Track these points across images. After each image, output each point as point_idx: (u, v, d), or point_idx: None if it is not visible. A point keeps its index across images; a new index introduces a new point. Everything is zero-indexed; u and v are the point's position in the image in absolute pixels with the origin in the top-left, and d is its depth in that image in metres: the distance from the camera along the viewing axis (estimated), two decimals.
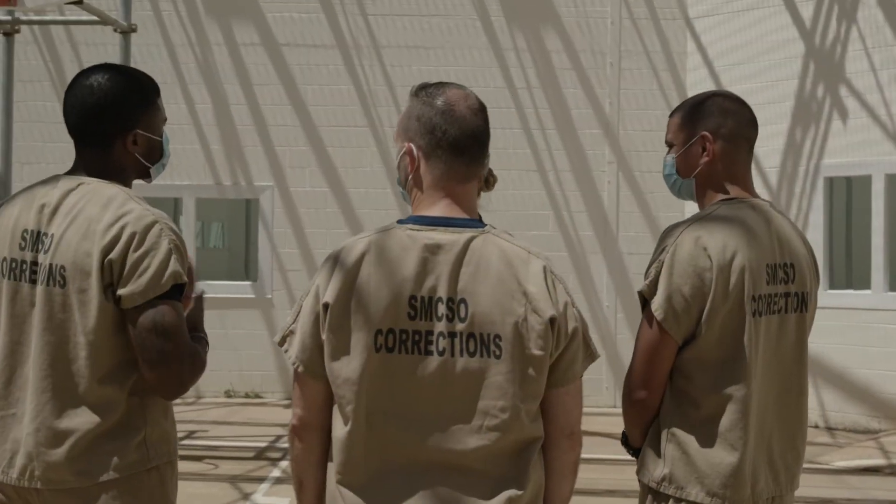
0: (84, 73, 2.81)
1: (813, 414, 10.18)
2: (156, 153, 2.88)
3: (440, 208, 2.35)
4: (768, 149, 10.60)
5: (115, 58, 8.36)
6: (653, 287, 2.78)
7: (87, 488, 2.59)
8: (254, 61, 11.33)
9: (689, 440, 2.74)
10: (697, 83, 11.13)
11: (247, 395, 11.04)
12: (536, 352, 2.26)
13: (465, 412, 2.26)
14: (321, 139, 11.27)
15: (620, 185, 11.20)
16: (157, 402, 2.69)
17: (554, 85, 11.25)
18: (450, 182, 2.36)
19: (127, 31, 8.27)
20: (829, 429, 10.09)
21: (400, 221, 2.36)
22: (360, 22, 11.36)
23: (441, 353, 2.26)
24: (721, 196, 2.88)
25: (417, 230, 2.31)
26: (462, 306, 2.26)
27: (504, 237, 2.35)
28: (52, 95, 11.28)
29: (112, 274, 2.59)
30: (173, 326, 2.59)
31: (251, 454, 8.55)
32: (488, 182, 3.68)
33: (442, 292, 2.27)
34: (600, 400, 10.99)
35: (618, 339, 11.10)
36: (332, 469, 2.32)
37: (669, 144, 2.99)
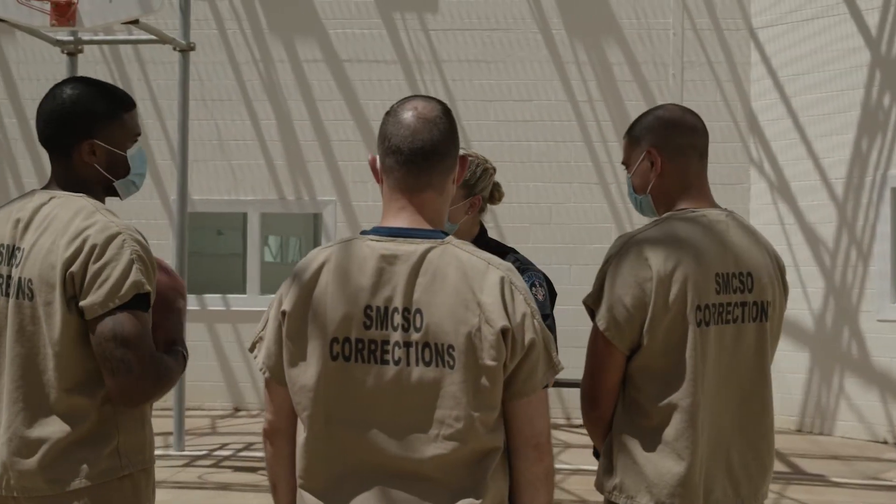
0: (55, 86, 2.86)
1: (881, 429, 10.04)
2: (120, 168, 2.84)
3: (401, 219, 2.36)
4: (834, 159, 10.50)
5: (169, 76, 8.50)
6: (597, 298, 2.80)
7: (60, 496, 2.64)
8: (316, 77, 11.43)
9: (639, 449, 2.75)
10: (762, 94, 11.06)
11: None
12: (489, 362, 2.25)
13: (421, 421, 2.26)
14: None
15: None
16: (132, 411, 2.72)
17: (616, 97, 11.23)
18: (404, 192, 2.37)
19: (186, 50, 8.42)
20: None
21: (363, 232, 2.38)
22: (422, 37, 11.43)
23: (397, 363, 2.27)
24: (678, 208, 2.90)
25: (377, 241, 2.33)
26: (418, 316, 2.27)
27: (464, 248, 2.34)
28: None
29: (74, 286, 2.63)
30: (133, 335, 2.61)
31: None
32: (493, 197, 3.69)
33: (398, 302, 2.28)
34: None
35: None
36: (297, 474, 2.36)
37: (625, 165, 3.03)
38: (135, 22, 7.60)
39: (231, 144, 11.49)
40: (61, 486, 2.63)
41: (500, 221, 11.19)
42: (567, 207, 11.15)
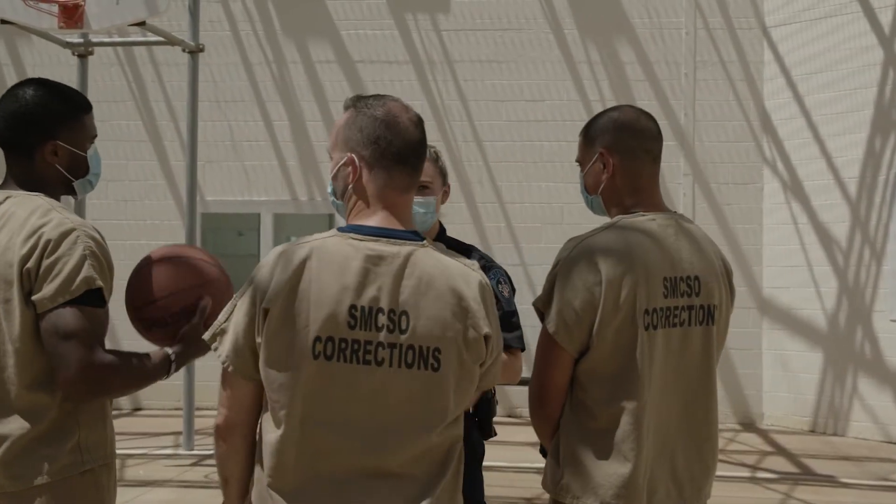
0: (14, 85, 2.90)
1: (895, 430, 9.98)
2: (81, 168, 2.90)
3: (379, 218, 2.38)
4: (847, 159, 10.44)
5: (182, 77, 8.55)
6: (546, 301, 2.82)
7: (22, 492, 2.66)
8: (329, 78, 11.46)
9: (586, 450, 2.77)
10: (775, 93, 11.01)
11: None
12: (472, 365, 2.32)
13: (401, 423, 2.28)
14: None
15: (696, 197, 11.11)
16: (92, 407, 2.74)
17: (628, 97, 11.20)
18: (392, 192, 2.40)
19: (195, 51, 8.46)
20: None
21: (340, 229, 2.38)
22: (434, 37, 11.44)
23: (380, 364, 2.28)
24: (628, 210, 2.91)
25: (359, 240, 2.34)
26: (404, 318, 2.29)
27: (439, 250, 2.39)
28: (136, 114, 11.53)
29: (30, 281, 2.66)
30: (75, 331, 2.62)
31: None
32: (445, 194, 3.73)
33: (384, 303, 2.30)
34: None
35: None
36: (263, 472, 2.34)
37: (579, 163, 3.03)
38: (142, 24, 7.64)
39: (244, 145, 11.54)
40: (23, 482, 2.65)
41: (512, 221, 11.19)
42: (579, 207, 11.02)
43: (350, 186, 2.43)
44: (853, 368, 10.34)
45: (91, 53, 8.94)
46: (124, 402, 11.38)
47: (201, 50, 8.59)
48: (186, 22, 9.19)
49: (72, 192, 2.93)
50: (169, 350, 2.86)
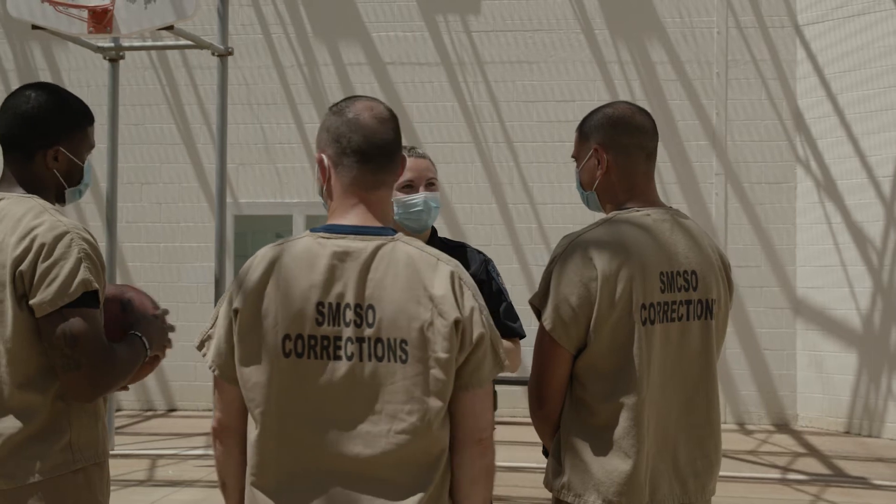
0: (21, 87, 2.94)
1: None
2: (75, 176, 2.95)
3: (352, 217, 2.40)
4: (881, 157, 10.33)
5: (215, 80, 8.62)
6: (543, 298, 2.81)
7: (14, 490, 2.69)
8: (360, 80, 11.51)
9: (586, 448, 2.76)
10: (808, 91, 10.92)
11: None
12: (442, 354, 2.29)
13: (374, 416, 2.29)
14: None
15: (729, 197, 11.03)
16: (83, 407, 2.78)
17: (659, 97, 11.15)
18: (360, 190, 2.41)
19: (224, 55, 8.52)
20: None
21: (313, 230, 2.41)
22: (464, 39, 11.46)
23: (349, 358, 2.29)
24: (623, 206, 2.91)
25: (327, 238, 2.37)
26: (370, 312, 2.30)
27: (414, 245, 2.38)
28: (169, 118, 11.64)
29: (24, 284, 2.69)
30: (82, 333, 2.66)
31: None
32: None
33: (350, 298, 2.31)
34: None
35: (727, 353, 10.91)
36: (248, 472, 2.37)
37: (574, 159, 3.04)
38: (170, 28, 7.72)
39: (276, 148, 11.61)
40: (16, 480, 2.69)
41: (543, 222, 11.18)
42: None
43: (324, 186, 2.48)
44: (888, 369, 10.23)
45: (122, 58, 9.04)
46: (159, 402, 11.49)
47: (230, 53, 8.65)
48: (216, 25, 9.26)
49: (61, 199, 2.97)
50: (136, 333, 2.93)
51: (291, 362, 2.31)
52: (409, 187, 3.58)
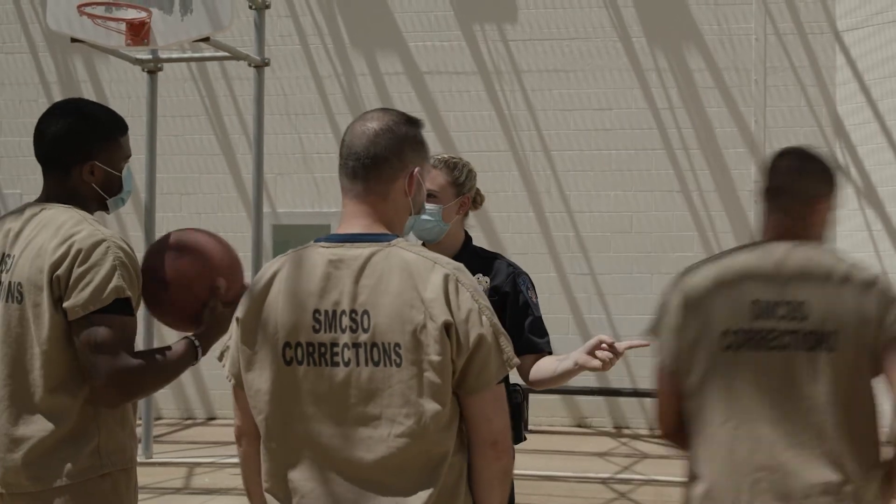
0: (54, 105, 3.02)
1: None
2: (114, 186, 3.02)
3: (351, 225, 2.44)
4: None
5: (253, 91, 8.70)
6: (656, 327, 2.93)
7: (42, 492, 2.74)
8: (397, 90, 11.56)
9: (687, 472, 2.90)
10: (847, 98, 10.82)
11: None
12: (434, 357, 2.29)
13: (372, 421, 2.31)
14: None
15: None
16: (112, 412, 2.82)
17: (697, 104, 11.10)
18: (349, 198, 2.47)
19: (260, 66, 8.59)
20: None
21: (316, 239, 2.45)
22: (501, 48, 11.47)
23: (346, 364, 2.32)
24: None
25: (326, 247, 2.41)
26: (365, 317, 2.32)
27: (411, 249, 2.40)
28: (208, 128, 11.75)
29: (60, 288, 2.74)
30: (105, 341, 2.71)
31: None
32: (475, 201, 3.73)
33: (345, 305, 2.34)
34: None
35: None
36: (262, 477, 2.42)
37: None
38: (206, 39, 7.80)
39: (314, 157, 11.68)
40: (44, 483, 2.74)
41: (581, 230, 11.15)
42: (648, 216, 11.05)
43: None
44: None
45: (160, 69, 9.15)
46: (198, 411, 11.58)
47: (267, 64, 8.73)
48: (254, 36, 9.34)
49: (104, 208, 3.04)
50: (191, 336, 2.95)
51: (291, 370, 2.36)
52: None
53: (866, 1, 10.73)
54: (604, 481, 8.21)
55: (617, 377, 10.72)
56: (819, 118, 10.95)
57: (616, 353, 3.21)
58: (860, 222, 10.61)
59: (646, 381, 10.90)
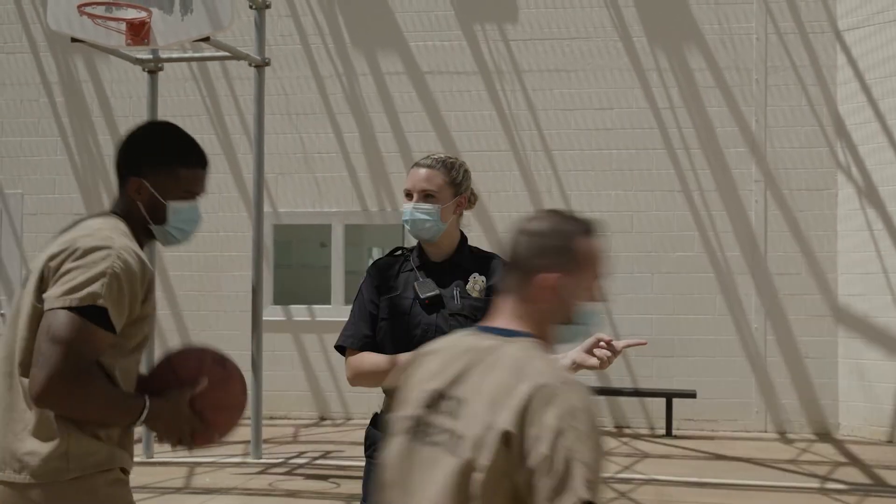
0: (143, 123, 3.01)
1: None
2: (159, 214, 2.90)
3: (498, 320, 2.41)
4: None
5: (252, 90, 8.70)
6: None
7: (18, 485, 2.66)
8: (398, 90, 11.56)
9: None
10: (848, 97, 10.81)
11: None
12: (483, 462, 2.17)
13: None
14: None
15: (769, 204, 10.94)
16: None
17: (698, 103, 11.10)
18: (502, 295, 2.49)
19: (260, 66, 8.60)
20: None
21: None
22: (502, 47, 11.47)
23: (435, 445, 2.27)
24: None
25: (470, 335, 2.43)
26: (460, 405, 2.26)
27: (530, 351, 2.30)
28: (209, 128, 11.75)
29: (47, 279, 2.70)
30: (66, 336, 2.59)
31: None
32: (469, 201, 3.72)
33: (448, 389, 2.30)
34: (749, 424, 10.74)
35: (768, 361, 10.83)
36: None
37: None
38: (206, 39, 7.80)
39: (315, 157, 11.69)
40: (20, 476, 2.67)
41: None
42: (649, 216, 11.05)
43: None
44: None
45: (160, 69, 9.16)
46: None
47: (267, 64, 8.74)
48: (254, 36, 9.35)
49: (150, 234, 2.95)
50: (146, 399, 2.75)
51: (402, 439, 2.38)
52: (408, 196, 3.60)
53: (867, 0, 10.72)
54: (604, 481, 8.20)
55: (618, 377, 10.73)
56: (820, 117, 10.95)
57: (614, 352, 3.21)
58: (861, 222, 10.61)
59: (646, 381, 10.91)
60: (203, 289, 11.63)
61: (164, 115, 10.39)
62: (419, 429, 2.31)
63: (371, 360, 3.51)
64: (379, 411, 3.61)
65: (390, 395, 3.52)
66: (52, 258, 2.72)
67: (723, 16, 11.14)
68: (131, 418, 2.73)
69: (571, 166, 11.26)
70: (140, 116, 9.25)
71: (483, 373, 2.27)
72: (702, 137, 11.07)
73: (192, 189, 2.93)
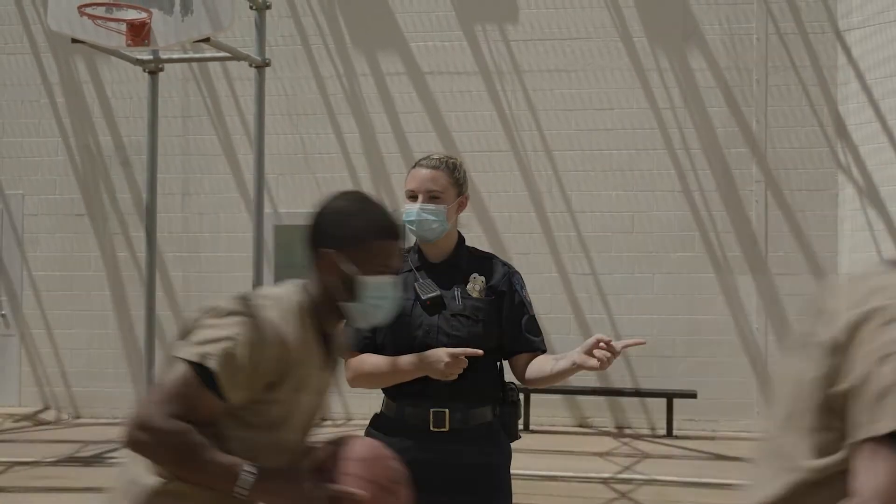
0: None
1: None
2: (345, 290, 2.64)
3: None
4: None
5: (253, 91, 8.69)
6: None
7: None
8: (399, 90, 11.56)
9: None
10: (849, 97, 10.81)
11: None
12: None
13: None
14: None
15: (769, 205, 10.95)
16: None
17: (698, 104, 11.10)
18: None
19: (261, 66, 8.60)
20: None
21: None
22: (502, 48, 11.47)
23: None
24: None
25: None
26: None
27: None
28: (210, 129, 11.76)
29: (188, 328, 2.58)
30: (164, 386, 2.48)
31: None
32: (461, 205, 3.70)
33: None
34: (750, 424, 10.73)
35: (769, 361, 10.83)
36: None
37: None
38: (206, 40, 7.81)
39: (316, 158, 11.69)
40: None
41: (582, 230, 11.15)
42: (649, 216, 11.05)
43: None
44: None
45: (161, 70, 9.16)
46: None
47: (267, 64, 8.74)
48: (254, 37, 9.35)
49: (339, 313, 2.70)
50: (246, 466, 2.46)
51: None
52: (412, 197, 3.58)
53: (868, 0, 10.72)
54: (605, 481, 8.21)
55: (618, 377, 10.73)
56: (820, 118, 10.94)
57: (614, 353, 3.21)
58: (862, 222, 10.61)
59: (647, 382, 10.91)
60: (203, 289, 11.63)
61: (165, 115, 10.40)
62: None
63: (371, 361, 3.50)
64: (379, 412, 3.60)
65: (390, 395, 3.53)
66: (200, 311, 2.58)
67: (723, 16, 11.14)
68: (224, 482, 2.45)
69: (572, 166, 11.26)
70: (141, 117, 9.26)
71: None
72: (702, 138, 11.07)
73: (384, 262, 2.66)
